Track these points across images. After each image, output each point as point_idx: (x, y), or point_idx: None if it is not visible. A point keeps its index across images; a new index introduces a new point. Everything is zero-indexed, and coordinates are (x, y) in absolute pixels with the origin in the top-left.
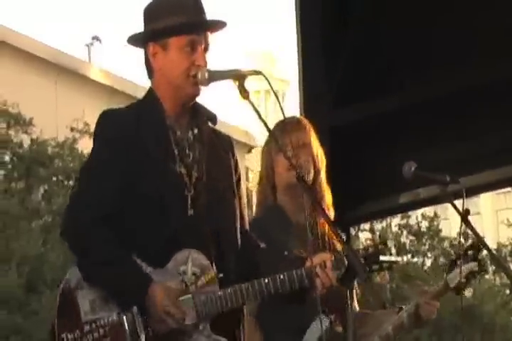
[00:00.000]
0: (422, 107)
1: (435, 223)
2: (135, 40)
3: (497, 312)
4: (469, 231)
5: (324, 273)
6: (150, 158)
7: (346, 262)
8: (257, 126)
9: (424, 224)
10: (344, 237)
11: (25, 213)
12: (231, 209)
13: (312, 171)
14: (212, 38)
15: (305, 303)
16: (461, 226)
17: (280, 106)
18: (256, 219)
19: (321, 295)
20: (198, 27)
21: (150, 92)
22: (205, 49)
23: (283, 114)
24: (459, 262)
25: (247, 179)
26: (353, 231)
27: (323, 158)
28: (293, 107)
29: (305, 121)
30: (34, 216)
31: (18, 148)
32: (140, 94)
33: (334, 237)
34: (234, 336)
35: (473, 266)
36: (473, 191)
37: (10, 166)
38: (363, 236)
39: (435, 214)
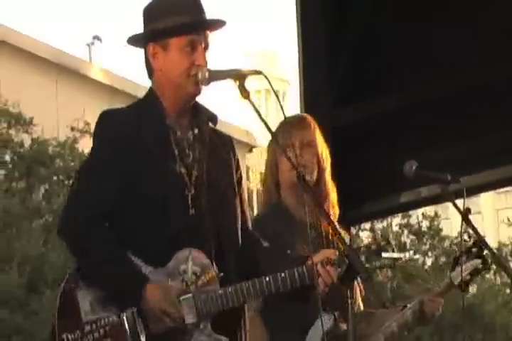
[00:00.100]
0: (423, 107)
1: (436, 222)
2: (135, 40)
3: (498, 312)
4: (470, 231)
5: (325, 270)
6: (150, 157)
7: (347, 261)
8: (257, 126)
9: (425, 224)
10: (347, 238)
11: (26, 213)
12: (232, 208)
13: (316, 170)
14: (212, 37)
15: (308, 301)
16: (462, 225)
17: (280, 105)
18: (260, 217)
19: (324, 293)
20: (197, 26)
21: (150, 92)
22: (205, 48)
23: (283, 113)
24: (462, 259)
25: (248, 178)
26: (353, 231)
27: (328, 156)
28: (293, 107)
29: (310, 119)
30: (35, 215)
31: (18, 147)
32: (141, 94)
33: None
34: (235, 335)
35: (477, 262)
36: (474, 190)
37: (11, 166)
38: (364, 235)
39: (436, 214)
